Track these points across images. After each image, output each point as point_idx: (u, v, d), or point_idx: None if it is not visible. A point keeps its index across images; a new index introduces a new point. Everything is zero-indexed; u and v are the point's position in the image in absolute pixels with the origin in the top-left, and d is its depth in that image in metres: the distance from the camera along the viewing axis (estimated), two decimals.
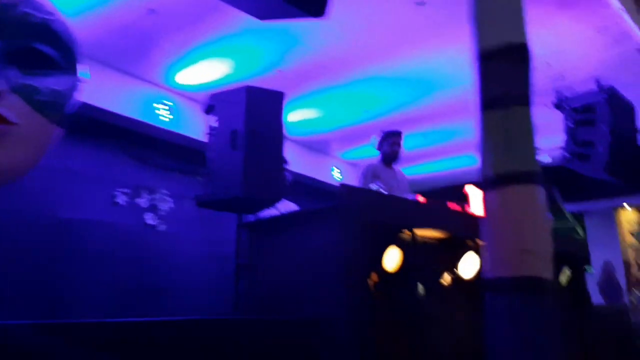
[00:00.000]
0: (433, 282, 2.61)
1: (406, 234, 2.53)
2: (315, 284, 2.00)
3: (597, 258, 7.84)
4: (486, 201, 1.68)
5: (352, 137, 5.35)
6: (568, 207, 7.78)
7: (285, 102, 3.10)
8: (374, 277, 2.23)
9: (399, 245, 2.23)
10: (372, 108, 4.72)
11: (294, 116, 4.95)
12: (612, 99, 3.93)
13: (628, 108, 4.27)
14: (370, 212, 2.13)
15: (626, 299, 7.47)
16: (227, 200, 3.06)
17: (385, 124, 5.11)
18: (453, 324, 2.52)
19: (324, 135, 5.47)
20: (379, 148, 3.87)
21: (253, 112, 3.17)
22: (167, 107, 4.42)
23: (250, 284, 2.46)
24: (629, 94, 4.26)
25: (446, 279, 2.64)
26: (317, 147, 5.91)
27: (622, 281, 7.59)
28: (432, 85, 4.25)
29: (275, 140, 3.28)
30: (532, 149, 1.69)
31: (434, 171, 6.60)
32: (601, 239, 7.87)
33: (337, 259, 1.94)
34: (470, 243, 2.67)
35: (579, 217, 9.13)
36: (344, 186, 2.08)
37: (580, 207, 7.70)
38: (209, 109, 3.29)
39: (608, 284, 7.65)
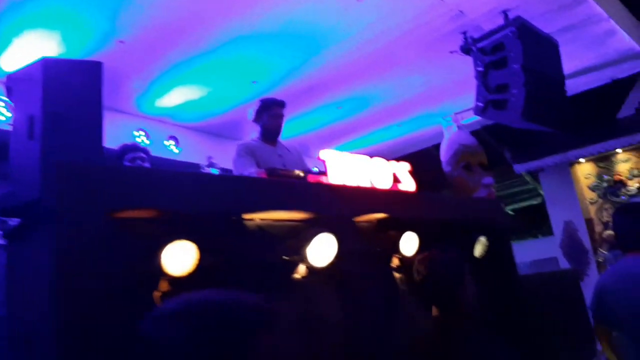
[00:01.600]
0: (280, 279, 2.07)
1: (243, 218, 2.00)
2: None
3: (557, 219, 7.51)
4: None
5: None
6: (520, 168, 7.41)
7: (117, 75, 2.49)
8: (163, 286, 1.66)
9: (196, 240, 1.67)
10: (260, 78, 4.16)
11: (174, 98, 4.36)
12: (522, 31, 3.47)
13: (548, 43, 3.81)
14: (136, 198, 1.57)
15: (592, 259, 7.16)
16: (27, 206, 2.44)
17: (286, 97, 4.57)
18: (304, 329, 1.99)
19: (222, 117, 4.88)
20: (257, 120, 3.32)
21: (54, 91, 2.54)
22: None
23: None
24: (547, 27, 3.81)
25: (300, 271, 2.10)
26: (224, 133, 5.31)
27: (586, 241, 7.27)
28: (316, 42, 3.71)
29: (91, 123, 2.64)
30: None
31: (360, 148, 6.08)
32: (559, 198, 7.54)
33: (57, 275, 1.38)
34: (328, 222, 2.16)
35: (535, 176, 8.80)
36: (62, 165, 1.51)
37: (533, 165, 7.33)
38: (8, 92, 2.69)
39: (571, 246, 7.32)
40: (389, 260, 2.60)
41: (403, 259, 2.55)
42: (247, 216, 2.00)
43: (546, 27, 3.82)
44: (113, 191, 1.55)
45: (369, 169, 2.38)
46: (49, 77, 2.48)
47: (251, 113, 3.34)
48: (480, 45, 3.65)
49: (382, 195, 2.41)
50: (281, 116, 3.32)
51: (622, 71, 5.47)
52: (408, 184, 2.60)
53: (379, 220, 2.62)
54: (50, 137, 2.40)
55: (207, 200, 1.80)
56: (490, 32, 3.61)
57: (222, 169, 3.16)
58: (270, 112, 3.27)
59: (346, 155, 2.30)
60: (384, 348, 2.28)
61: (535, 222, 10.57)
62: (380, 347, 2.25)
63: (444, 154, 5.49)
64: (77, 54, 3.32)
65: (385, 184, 2.44)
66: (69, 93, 2.53)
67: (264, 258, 2.01)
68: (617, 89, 6.23)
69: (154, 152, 4.42)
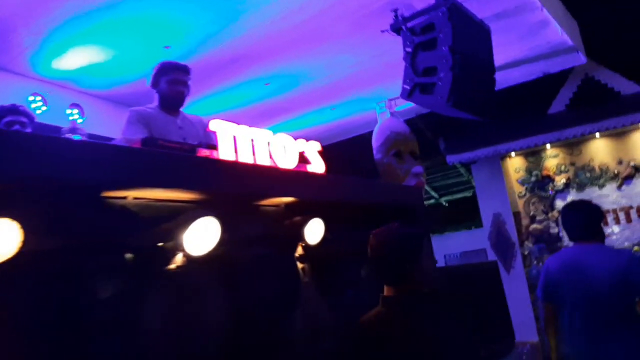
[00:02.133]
0: (150, 269, 1.80)
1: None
2: None
3: (487, 211, 7.65)
4: None
5: None
6: (453, 159, 7.46)
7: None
8: None
9: (25, 218, 1.36)
10: (173, 43, 3.79)
11: (74, 60, 3.91)
12: (453, 13, 3.33)
13: (480, 28, 3.71)
14: None
15: (518, 252, 7.36)
16: None
17: (206, 68, 4.24)
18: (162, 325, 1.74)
19: (133, 85, 4.44)
20: (154, 86, 2.98)
21: None
22: None
23: None
24: (480, 12, 3.71)
25: (177, 260, 1.83)
26: (136, 103, 4.83)
27: (513, 234, 7.45)
28: (233, 5, 3.39)
29: None
30: None
31: (293, 130, 5.84)
32: (489, 190, 7.66)
33: None
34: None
35: (468, 169, 8.94)
36: None
37: (465, 157, 7.39)
38: None
39: (498, 238, 7.48)
40: (292, 248, 2.39)
41: (307, 247, 2.34)
42: (112, 193, 1.70)
43: (479, 11, 3.72)
44: None
45: (270, 146, 2.13)
46: None
47: (149, 78, 3.00)
48: (410, 24, 3.49)
49: (284, 175, 2.18)
50: (182, 83, 2.97)
51: (554, 65, 5.54)
52: (317, 166, 2.38)
53: (286, 205, 2.39)
54: None
55: (51, 170, 1.47)
56: (421, 11, 3.45)
57: (91, 136, 2.80)
58: (168, 78, 2.94)
59: (242, 128, 2.04)
60: (276, 347, 2.07)
61: (469, 214, 10.82)
62: (271, 346, 2.04)
63: (375, 141, 5.35)
64: None
65: (289, 163, 2.21)
66: None
67: (128, 244, 1.73)
68: (549, 84, 6.34)
69: (52, 122, 3.95)
